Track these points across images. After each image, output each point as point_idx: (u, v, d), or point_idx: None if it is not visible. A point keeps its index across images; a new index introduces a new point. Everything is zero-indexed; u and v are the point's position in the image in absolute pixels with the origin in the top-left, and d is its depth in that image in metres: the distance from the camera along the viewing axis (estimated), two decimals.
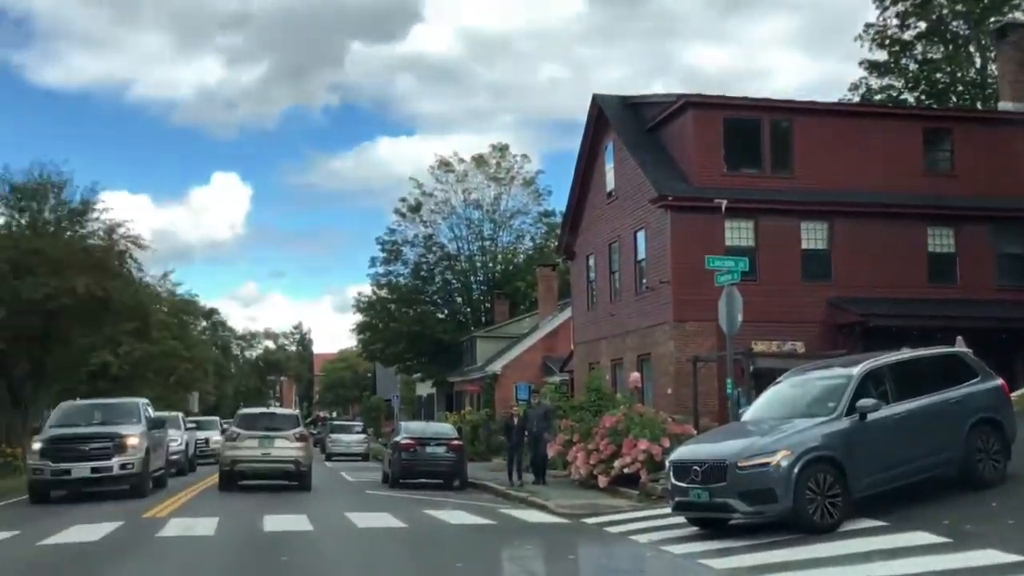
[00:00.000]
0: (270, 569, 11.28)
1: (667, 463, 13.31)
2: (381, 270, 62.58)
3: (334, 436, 48.80)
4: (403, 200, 62.87)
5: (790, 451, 11.67)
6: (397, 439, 26.48)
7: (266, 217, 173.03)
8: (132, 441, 20.81)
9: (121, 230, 33.27)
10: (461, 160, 62.60)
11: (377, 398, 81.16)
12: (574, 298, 36.77)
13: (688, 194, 26.52)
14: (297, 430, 24.03)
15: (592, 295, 33.63)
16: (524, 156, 64.10)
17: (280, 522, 15.48)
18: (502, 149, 63.09)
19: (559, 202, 69.54)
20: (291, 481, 23.42)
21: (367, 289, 65.20)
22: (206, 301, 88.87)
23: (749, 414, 14.20)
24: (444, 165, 62.33)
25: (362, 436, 48.90)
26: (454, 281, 63.41)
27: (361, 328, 66.48)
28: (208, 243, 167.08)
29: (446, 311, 63.65)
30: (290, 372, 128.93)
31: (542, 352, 48.45)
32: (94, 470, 20.34)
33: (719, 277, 19.52)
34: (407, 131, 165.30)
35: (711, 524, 12.71)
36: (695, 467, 12.29)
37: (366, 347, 68.38)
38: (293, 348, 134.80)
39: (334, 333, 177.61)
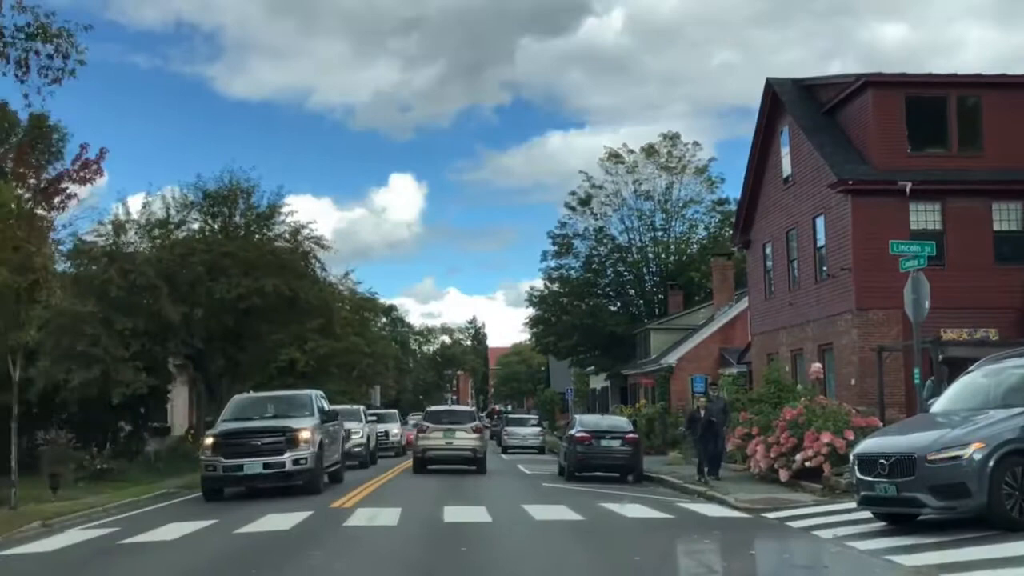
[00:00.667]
0: (450, 559, 11.52)
1: (851, 456, 12.90)
2: (552, 264, 62.92)
3: (510, 429, 49.45)
4: (573, 193, 62.99)
5: (984, 443, 11.17)
6: (572, 432, 26.61)
7: (441, 215, 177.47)
8: (304, 435, 20.22)
9: (305, 232, 34.64)
10: (631, 151, 62.21)
11: (551, 391, 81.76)
12: (751, 288, 36.03)
13: (870, 177, 25.58)
14: (473, 423, 28.25)
15: (769, 284, 32.86)
16: (696, 144, 63.03)
17: (460, 513, 15.81)
18: (673, 138, 62.31)
19: (733, 190, 68.34)
20: (469, 466, 27.26)
21: (539, 283, 65.75)
22: (385, 298, 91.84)
23: (939, 405, 13.62)
24: (614, 157, 62.06)
25: (537, 429, 49.37)
26: (626, 273, 63.05)
27: (534, 322, 67.06)
28: (387, 242, 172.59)
29: (618, 303, 63.39)
30: (466, 366, 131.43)
31: (718, 343, 47.66)
32: (266, 466, 19.79)
33: (904, 263, 18.75)
34: (577, 125, 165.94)
35: (899, 519, 12.29)
36: (881, 460, 11.90)
37: (539, 341, 68.93)
38: (468, 343, 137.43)
39: (508, 327, 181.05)
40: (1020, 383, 12.39)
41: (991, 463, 11.04)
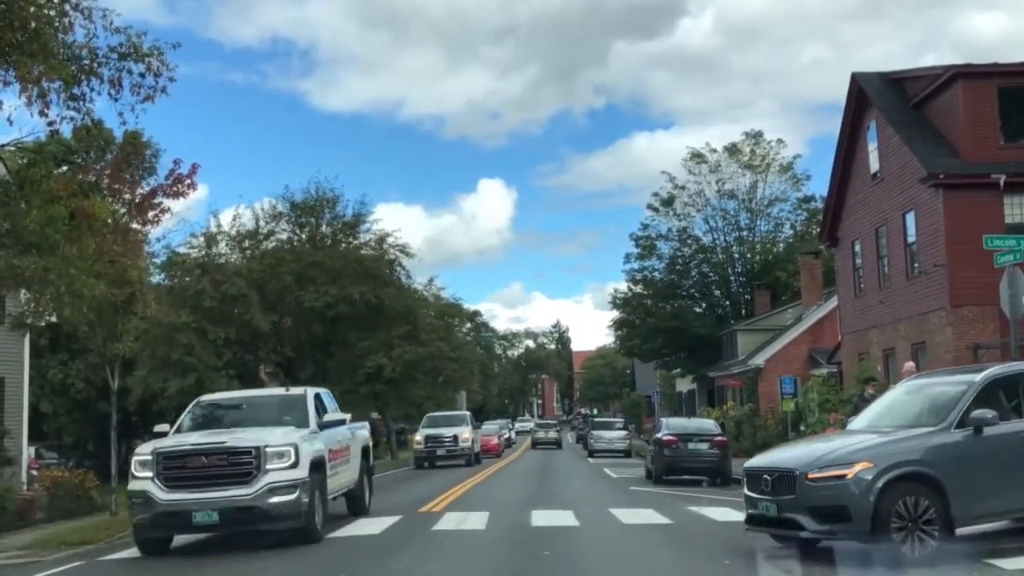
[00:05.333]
0: (536, 563, 11.54)
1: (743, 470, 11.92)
2: (636, 266, 62.60)
3: (596, 433, 49.31)
4: (655, 195, 62.63)
5: (872, 463, 10.14)
6: (659, 435, 26.43)
7: (528, 220, 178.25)
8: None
9: (390, 239, 35.12)
10: (713, 150, 61.60)
11: (637, 394, 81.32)
12: (840, 286, 35.35)
13: (961, 171, 24.92)
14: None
15: (859, 282, 32.20)
16: (780, 141, 62.13)
17: (547, 517, 15.83)
18: (756, 136, 61.55)
19: (821, 187, 67.09)
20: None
21: (623, 286, 65.44)
22: (474, 304, 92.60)
23: (858, 422, 12.54)
24: (696, 157, 61.53)
25: (623, 432, 49.12)
26: (711, 274, 62.40)
27: (618, 325, 66.74)
28: (476, 248, 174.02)
29: (704, 305, 62.77)
30: (550, 370, 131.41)
31: (807, 344, 46.83)
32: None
33: (999, 258, 18.22)
34: (663, 126, 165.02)
35: (806, 542, 11.17)
36: (765, 476, 10.94)
37: (623, 343, 68.56)
38: (552, 347, 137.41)
39: (594, 331, 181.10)
40: (939, 402, 11.14)
41: (878, 486, 9.98)
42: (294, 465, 13.10)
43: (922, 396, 11.71)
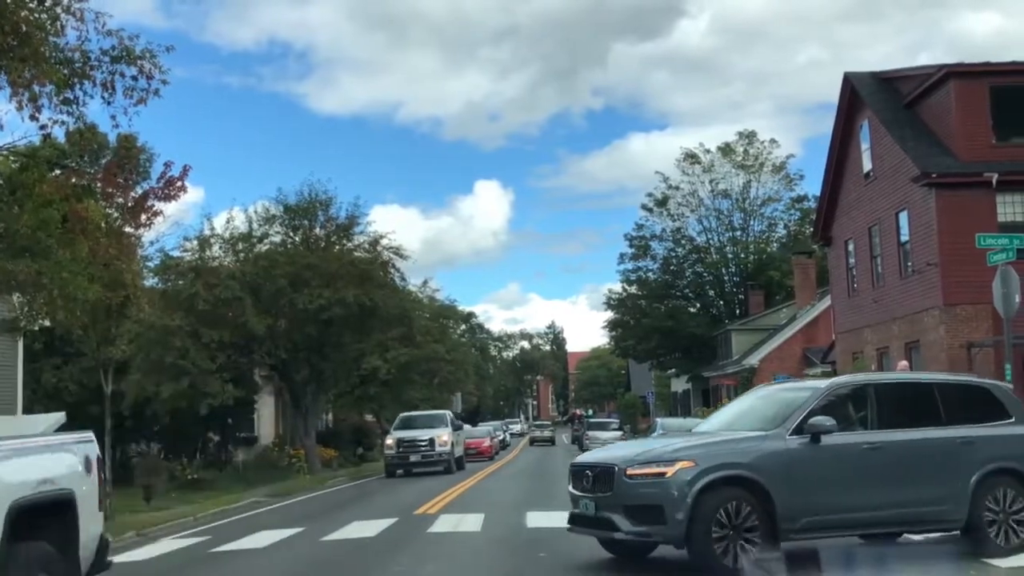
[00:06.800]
0: (532, 565, 11.52)
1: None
2: (630, 266, 62.69)
3: (591, 433, 49.30)
4: (649, 195, 62.72)
5: (694, 462, 9.52)
6: (654, 435, 26.41)
7: (525, 221, 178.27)
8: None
9: (384, 241, 35.06)
10: (707, 151, 61.69)
11: (632, 395, 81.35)
12: (833, 285, 35.42)
13: (954, 170, 24.98)
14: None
15: (853, 281, 32.26)
16: (773, 141, 62.27)
17: (543, 518, 15.78)
18: (749, 136, 61.68)
19: (814, 187, 67.23)
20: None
21: (619, 287, 65.50)
22: (470, 305, 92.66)
23: (705, 424, 12.22)
24: (690, 157, 61.62)
25: (619, 433, 49.13)
26: (705, 274, 62.48)
27: (613, 325, 66.80)
28: (472, 249, 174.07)
29: (698, 305, 62.84)
30: (545, 371, 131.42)
31: (801, 343, 46.95)
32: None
33: (992, 256, 18.26)
34: (659, 126, 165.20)
35: (635, 552, 10.71)
36: (587, 472, 10.35)
37: (618, 344, 68.66)
38: (547, 348, 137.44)
39: (590, 331, 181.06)
40: (782, 408, 10.53)
41: (697, 487, 9.32)
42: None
43: (771, 401, 11.17)
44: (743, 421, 11.00)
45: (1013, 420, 10.90)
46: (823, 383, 10.98)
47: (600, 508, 9.98)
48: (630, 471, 9.71)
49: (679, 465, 9.51)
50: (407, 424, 34.19)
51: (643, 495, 9.58)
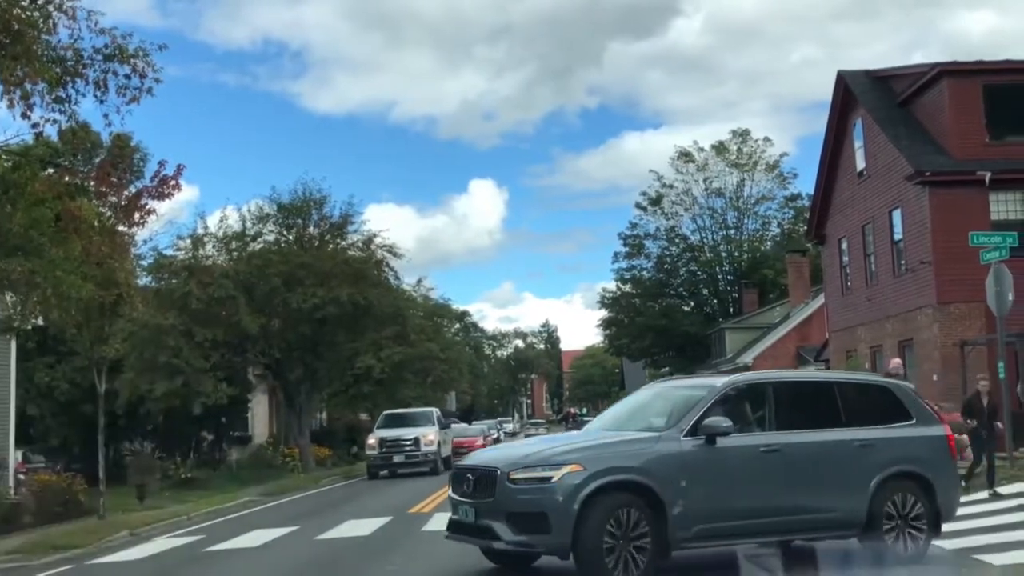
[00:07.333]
0: (529, 563, 11.50)
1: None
2: (624, 265, 62.77)
3: None
4: (643, 194, 62.77)
5: (582, 466, 8.84)
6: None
7: (520, 220, 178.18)
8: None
9: (378, 240, 35.02)
10: (701, 149, 61.74)
11: (626, 393, 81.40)
12: (827, 284, 35.45)
13: (947, 168, 25.02)
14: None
15: (846, 280, 32.31)
16: (766, 139, 62.42)
17: None
18: (743, 134, 61.73)
19: (807, 185, 67.33)
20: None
21: (613, 285, 65.54)
22: (465, 304, 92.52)
23: (596, 422, 11.46)
24: (684, 156, 61.67)
25: None
26: (699, 272, 62.56)
27: (607, 324, 66.85)
28: (467, 248, 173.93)
29: (692, 303, 62.93)
30: (540, 370, 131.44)
31: (795, 341, 46.98)
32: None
33: (985, 254, 18.30)
34: (654, 125, 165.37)
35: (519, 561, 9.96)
36: (468, 475, 9.64)
37: (612, 342, 68.72)
38: (541, 346, 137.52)
39: (584, 330, 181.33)
40: (676, 406, 9.91)
41: (584, 493, 8.67)
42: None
43: (665, 400, 10.52)
44: (635, 420, 10.33)
45: (914, 421, 10.47)
46: (720, 380, 10.37)
47: (480, 515, 9.28)
48: (513, 475, 9.03)
49: (566, 469, 8.85)
50: (391, 422, 32.71)
51: (526, 501, 8.89)
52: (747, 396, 10.13)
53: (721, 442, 9.29)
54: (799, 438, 9.77)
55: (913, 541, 9.95)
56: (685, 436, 9.28)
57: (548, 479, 8.83)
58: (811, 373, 11.62)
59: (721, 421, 9.31)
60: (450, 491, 10.11)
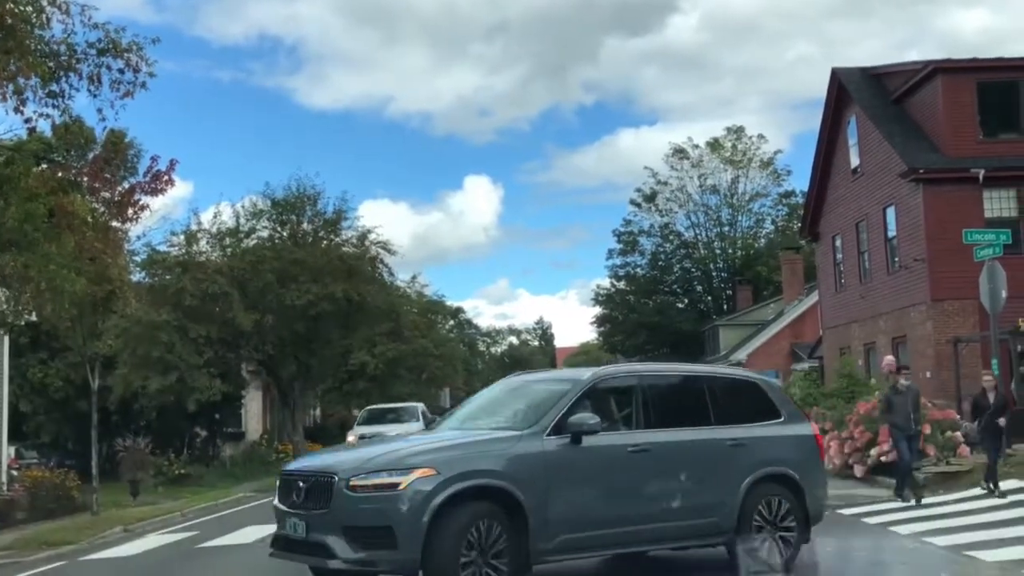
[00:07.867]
0: None
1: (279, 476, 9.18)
2: (619, 262, 62.83)
3: None
4: (638, 190, 62.83)
5: (435, 470, 7.81)
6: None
7: (515, 216, 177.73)
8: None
9: (372, 236, 34.95)
10: (695, 146, 61.80)
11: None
12: (821, 281, 35.51)
13: (941, 165, 25.06)
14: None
15: (840, 277, 32.36)
16: (761, 136, 62.59)
17: None
18: (737, 131, 61.82)
19: (802, 182, 67.46)
20: None
21: (607, 282, 65.55)
22: (460, 300, 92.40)
23: (447, 421, 10.24)
24: (679, 152, 61.72)
25: None
26: (693, 269, 62.64)
27: (601, 320, 66.90)
28: (462, 244, 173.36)
29: (686, 300, 63.00)
30: (534, 366, 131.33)
31: (789, 338, 47.07)
32: None
33: (979, 252, 18.35)
34: (649, 122, 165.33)
35: None
36: (300, 482, 8.30)
37: (606, 339, 68.81)
38: (536, 343, 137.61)
39: (578, 327, 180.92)
40: (538, 403, 8.99)
41: (437, 501, 7.65)
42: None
43: (523, 395, 9.61)
44: (494, 417, 9.38)
45: (783, 419, 9.91)
46: (586, 373, 9.42)
47: (312, 529, 7.99)
48: (354, 482, 7.83)
49: (416, 474, 7.75)
50: (373, 418, 31.76)
51: (368, 512, 7.73)
52: (615, 391, 9.42)
53: (587, 441, 8.44)
54: (668, 437, 9.05)
55: (785, 546, 9.38)
56: (548, 435, 8.40)
57: (395, 486, 7.71)
58: (681, 366, 10.85)
59: (588, 418, 8.46)
60: (275, 501, 8.72)
